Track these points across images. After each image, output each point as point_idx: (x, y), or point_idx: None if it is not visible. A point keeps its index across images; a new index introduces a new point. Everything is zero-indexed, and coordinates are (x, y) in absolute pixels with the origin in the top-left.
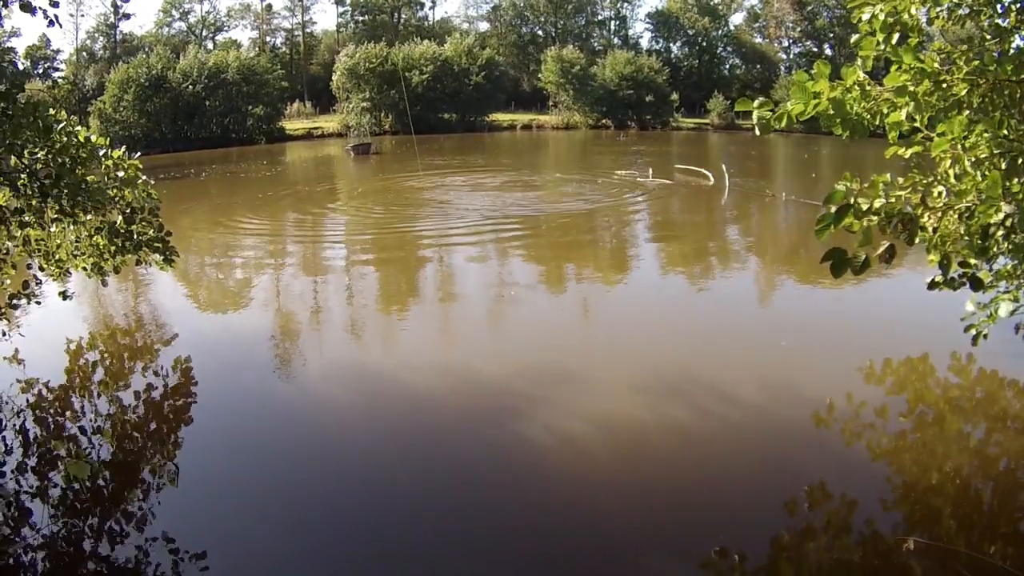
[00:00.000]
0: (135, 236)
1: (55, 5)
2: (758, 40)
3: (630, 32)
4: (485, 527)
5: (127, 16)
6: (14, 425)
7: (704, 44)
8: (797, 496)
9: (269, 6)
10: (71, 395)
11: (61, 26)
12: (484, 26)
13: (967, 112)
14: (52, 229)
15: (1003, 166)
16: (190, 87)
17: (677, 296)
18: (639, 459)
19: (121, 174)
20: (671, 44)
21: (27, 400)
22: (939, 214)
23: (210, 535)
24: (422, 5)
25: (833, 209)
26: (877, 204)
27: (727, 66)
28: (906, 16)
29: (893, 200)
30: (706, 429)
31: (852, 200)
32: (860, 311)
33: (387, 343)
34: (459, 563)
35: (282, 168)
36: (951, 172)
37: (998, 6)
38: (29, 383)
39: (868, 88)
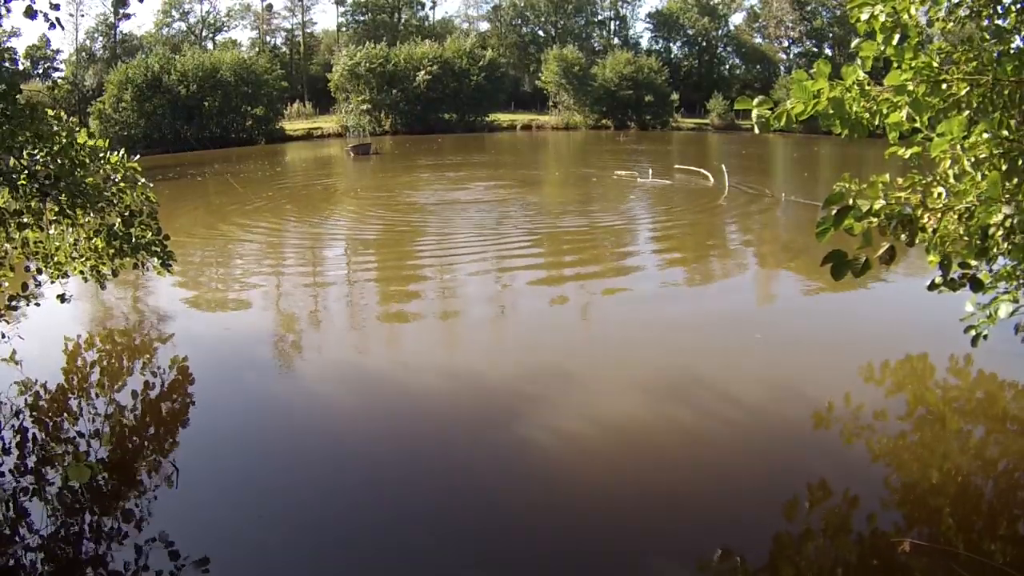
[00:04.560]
0: (133, 239)
1: (56, 8)
2: (758, 40)
3: (630, 32)
4: (486, 527)
5: (127, 16)
6: (12, 426)
7: (704, 44)
8: (797, 496)
9: (269, 6)
10: (69, 396)
11: (63, 28)
12: (484, 26)
13: (967, 112)
14: (51, 231)
15: (1003, 166)
16: (185, 88)
17: (677, 297)
18: (640, 459)
19: (118, 177)
20: (671, 44)
21: (25, 401)
22: (939, 215)
23: (209, 536)
24: (422, 5)
25: (833, 211)
26: (877, 205)
27: (727, 66)
28: (905, 16)
29: (893, 201)
30: (706, 429)
31: (852, 202)
32: (859, 311)
33: (386, 344)
34: (460, 563)
35: (281, 169)
36: (951, 173)
37: (998, 7)
38: (27, 384)
39: (868, 88)
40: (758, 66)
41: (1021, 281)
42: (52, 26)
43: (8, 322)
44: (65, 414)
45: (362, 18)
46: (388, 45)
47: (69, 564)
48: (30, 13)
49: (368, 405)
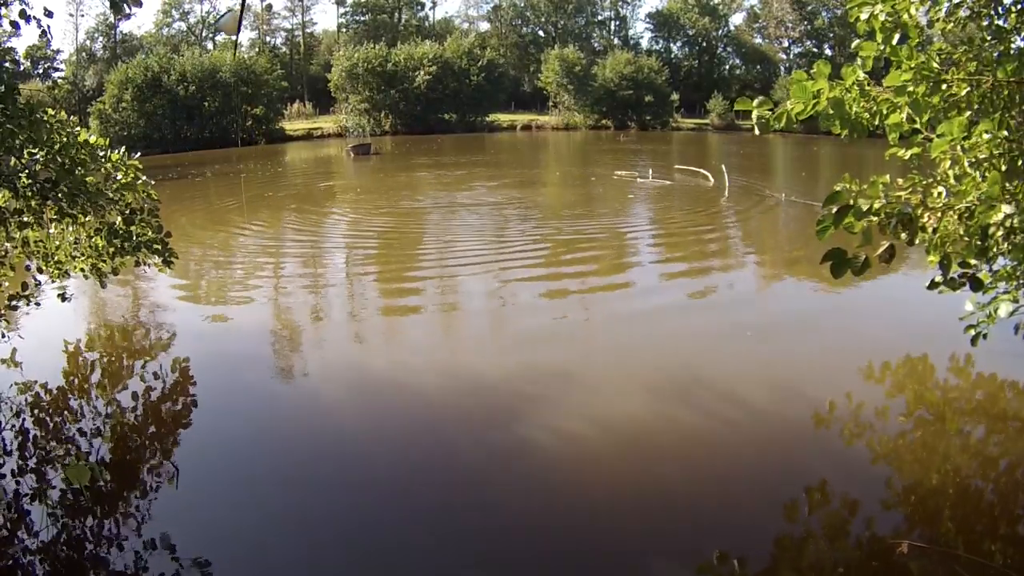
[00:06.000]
0: (134, 237)
1: (49, 15)
2: (758, 40)
3: (630, 32)
4: (486, 527)
5: (127, 16)
6: (13, 426)
7: (704, 44)
8: (797, 497)
9: (269, 6)
10: (70, 396)
11: (51, 38)
12: (485, 26)
13: (967, 113)
14: (51, 230)
15: (1003, 167)
16: (184, 89)
17: (677, 297)
18: (640, 459)
19: (120, 176)
20: (671, 44)
21: (26, 401)
22: (939, 215)
23: (209, 536)
24: (422, 5)
25: (834, 210)
26: (877, 205)
27: (727, 66)
28: (905, 16)
29: (893, 201)
30: (706, 429)
31: (852, 201)
32: (859, 311)
33: (387, 344)
34: (460, 563)
35: (281, 169)
36: (951, 173)
37: (998, 7)
38: (28, 384)
39: (868, 88)
40: (758, 66)
41: (1021, 281)
42: (43, 35)
43: (8, 322)
44: (66, 414)
45: (362, 18)
46: (388, 45)
47: (69, 564)
48: (23, 17)
49: (368, 405)
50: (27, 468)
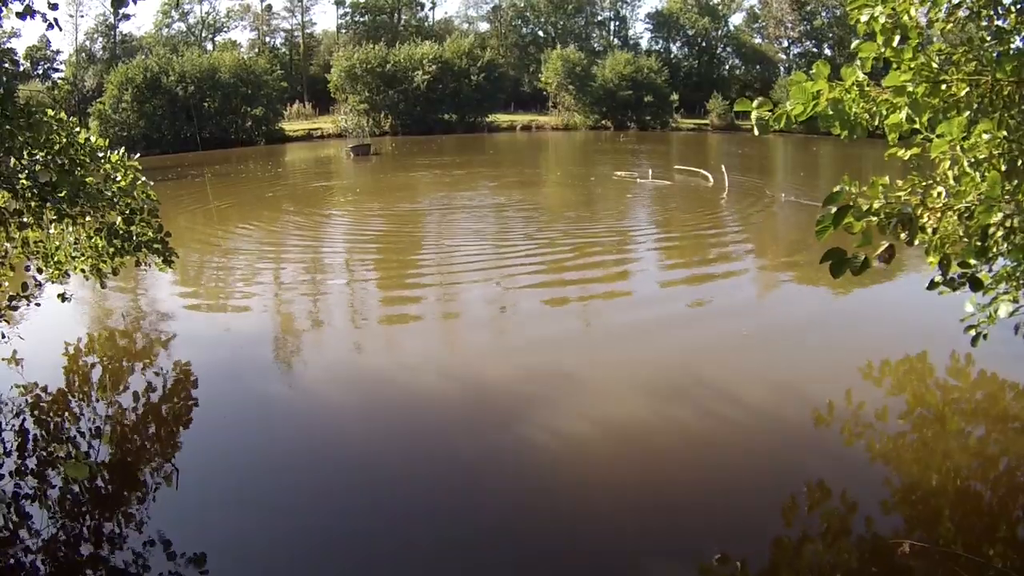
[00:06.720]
0: (134, 237)
1: (54, 7)
2: (758, 40)
3: (630, 32)
4: (486, 528)
5: (126, 17)
6: (13, 427)
7: (704, 44)
8: (797, 497)
9: (269, 7)
10: (70, 397)
11: (61, 29)
12: (485, 26)
13: (967, 113)
14: (51, 231)
15: (1003, 167)
16: (184, 89)
17: (676, 297)
18: (639, 460)
19: (119, 177)
20: (671, 44)
21: (26, 402)
22: (938, 215)
23: (209, 537)
24: (422, 6)
25: (833, 210)
26: (876, 205)
27: (727, 66)
28: (905, 18)
29: (893, 201)
30: (706, 429)
31: (852, 201)
32: (859, 311)
33: (387, 345)
34: (460, 564)
35: (281, 169)
36: (950, 173)
37: (998, 7)
38: (28, 385)
39: (867, 89)
40: (758, 66)
41: (1021, 281)
42: (50, 26)
43: (8, 322)
44: (66, 415)
45: (362, 19)
46: (388, 45)
47: (69, 565)
48: (28, 12)
49: (368, 406)
50: (27, 469)
